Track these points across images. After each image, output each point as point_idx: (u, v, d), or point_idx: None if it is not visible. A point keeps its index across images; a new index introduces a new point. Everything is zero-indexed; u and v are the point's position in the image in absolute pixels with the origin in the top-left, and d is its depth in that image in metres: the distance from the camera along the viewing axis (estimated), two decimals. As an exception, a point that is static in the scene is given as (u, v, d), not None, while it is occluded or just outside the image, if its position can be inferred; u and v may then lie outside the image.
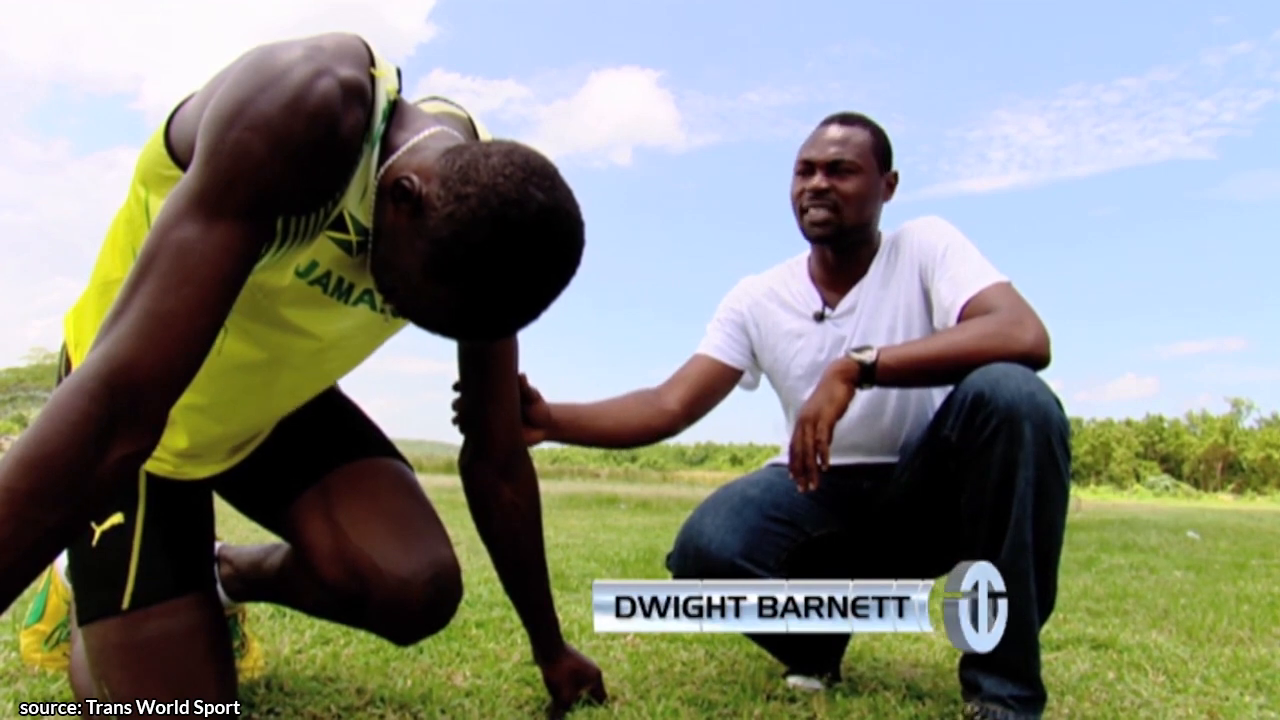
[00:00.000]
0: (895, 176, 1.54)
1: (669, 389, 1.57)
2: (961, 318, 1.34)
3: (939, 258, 1.43)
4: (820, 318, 1.55)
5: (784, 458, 1.63)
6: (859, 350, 1.31)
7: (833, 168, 1.47)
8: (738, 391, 1.68)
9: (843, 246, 1.51)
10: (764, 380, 1.69)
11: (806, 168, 1.49)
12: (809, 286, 1.58)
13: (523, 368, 1.27)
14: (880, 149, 1.51)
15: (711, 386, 1.59)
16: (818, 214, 1.47)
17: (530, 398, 1.36)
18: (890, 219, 1.58)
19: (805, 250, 1.62)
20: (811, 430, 1.28)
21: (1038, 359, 1.25)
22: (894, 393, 1.50)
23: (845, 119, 1.51)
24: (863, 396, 1.47)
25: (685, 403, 1.55)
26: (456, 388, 1.25)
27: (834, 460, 1.55)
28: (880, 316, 1.50)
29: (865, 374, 1.29)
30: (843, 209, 1.46)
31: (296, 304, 0.95)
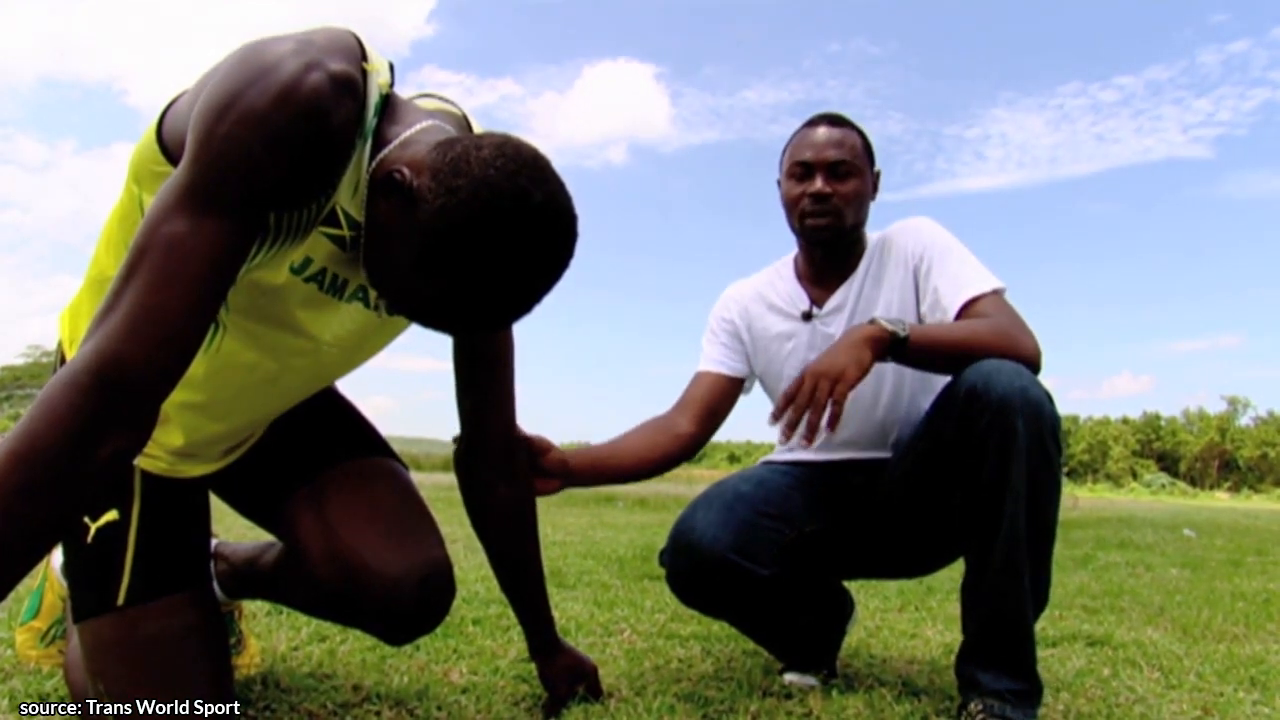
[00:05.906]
0: (878, 175, 1.54)
1: (679, 413, 1.55)
2: (958, 318, 1.35)
3: (935, 257, 1.44)
4: (808, 317, 1.55)
5: (777, 454, 1.63)
6: (890, 321, 1.26)
7: (833, 170, 1.45)
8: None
9: (838, 248, 1.51)
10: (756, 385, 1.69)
11: (805, 170, 1.47)
12: (795, 287, 1.58)
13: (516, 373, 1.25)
14: (869, 149, 1.51)
15: (720, 401, 1.58)
16: (821, 219, 1.46)
17: (543, 448, 1.32)
18: (888, 218, 1.58)
19: (791, 251, 1.62)
20: (828, 387, 1.18)
21: (1035, 369, 1.27)
22: (887, 388, 1.50)
23: (834, 120, 1.50)
24: (859, 391, 1.47)
25: (698, 422, 1.54)
26: None
27: (825, 456, 1.55)
28: (870, 315, 1.50)
29: (895, 346, 1.24)
30: (844, 212, 1.46)
31: (292, 302, 0.95)
